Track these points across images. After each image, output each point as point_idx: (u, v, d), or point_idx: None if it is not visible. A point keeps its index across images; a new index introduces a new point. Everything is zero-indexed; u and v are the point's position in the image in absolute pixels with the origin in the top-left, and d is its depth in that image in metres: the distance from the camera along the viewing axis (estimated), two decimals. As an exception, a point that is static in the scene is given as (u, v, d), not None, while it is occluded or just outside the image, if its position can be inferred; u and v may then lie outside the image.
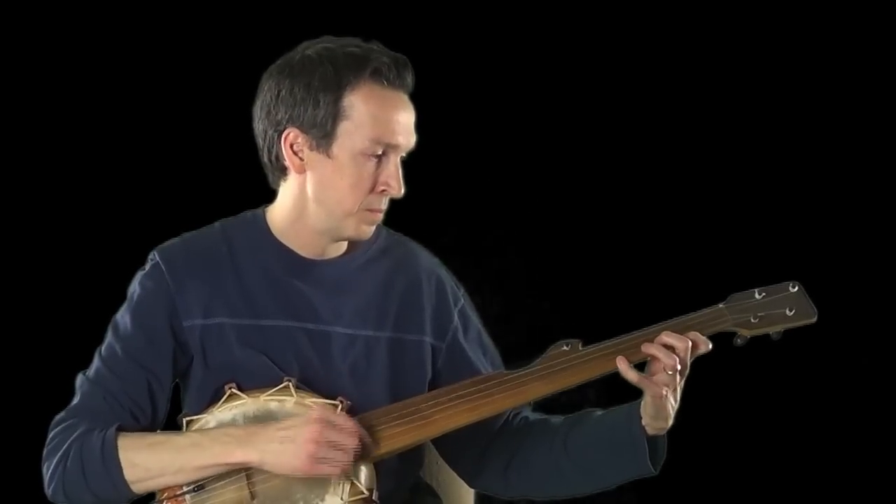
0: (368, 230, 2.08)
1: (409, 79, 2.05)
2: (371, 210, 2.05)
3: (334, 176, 2.03)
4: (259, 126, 2.07)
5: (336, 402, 2.01)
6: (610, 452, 2.06)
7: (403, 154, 2.06)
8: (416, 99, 2.07)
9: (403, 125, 2.03)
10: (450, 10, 3.48)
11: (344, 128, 2.01)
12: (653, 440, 2.03)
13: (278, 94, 2.03)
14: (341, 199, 2.04)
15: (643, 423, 2.02)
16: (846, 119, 3.53)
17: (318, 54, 2.03)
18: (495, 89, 3.55)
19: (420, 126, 2.07)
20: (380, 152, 2.02)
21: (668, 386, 1.96)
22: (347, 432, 1.95)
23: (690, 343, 1.96)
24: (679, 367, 1.95)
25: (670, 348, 1.96)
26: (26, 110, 3.36)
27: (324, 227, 2.07)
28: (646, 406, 2.00)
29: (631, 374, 1.97)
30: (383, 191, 2.04)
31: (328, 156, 2.03)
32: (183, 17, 3.38)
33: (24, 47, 3.35)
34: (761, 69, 3.54)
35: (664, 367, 1.95)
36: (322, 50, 2.03)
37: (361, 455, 1.97)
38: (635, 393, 2.02)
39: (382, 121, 2.01)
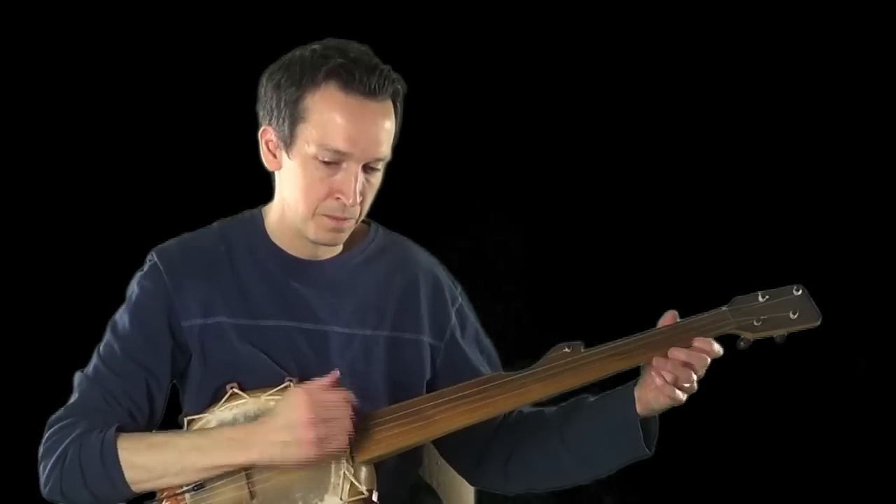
0: (331, 237, 2.05)
1: (376, 85, 1.97)
2: (329, 217, 2.01)
3: (292, 177, 2.02)
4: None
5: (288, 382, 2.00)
6: (606, 437, 2.05)
7: (378, 165, 2.01)
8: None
9: (361, 134, 1.98)
10: (449, 9, 3.47)
11: (300, 130, 1.99)
12: (645, 421, 2.03)
13: (262, 91, 2.04)
14: (296, 201, 2.03)
15: (637, 409, 2.02)
16: (849, 122, 3.53)
17: (300, 55, 2.02)
18: (495, 90, 3.54)
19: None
20: (329, 159, 1.98)
21: (688, 393, 1.99)
22: (335, 403, 1.94)
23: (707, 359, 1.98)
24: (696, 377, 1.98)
25: (687, 364, 1.97)
26: (26, 110, 3.35)
27: (298, 229, 2.06)
28: (655, 401, 2.00)
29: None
30: (338, 198, 2.00)
31: (289, 156, 2.02)
32: (181, 17, 3.37)
33: (24, 47, 3.35)
34: (765, 75, 3.54)
35: (682, 380, 1.97)
36: (307, 51, 2.02)
37: (356, 419, 1.95)
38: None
39: (334, 127, 1.97)
